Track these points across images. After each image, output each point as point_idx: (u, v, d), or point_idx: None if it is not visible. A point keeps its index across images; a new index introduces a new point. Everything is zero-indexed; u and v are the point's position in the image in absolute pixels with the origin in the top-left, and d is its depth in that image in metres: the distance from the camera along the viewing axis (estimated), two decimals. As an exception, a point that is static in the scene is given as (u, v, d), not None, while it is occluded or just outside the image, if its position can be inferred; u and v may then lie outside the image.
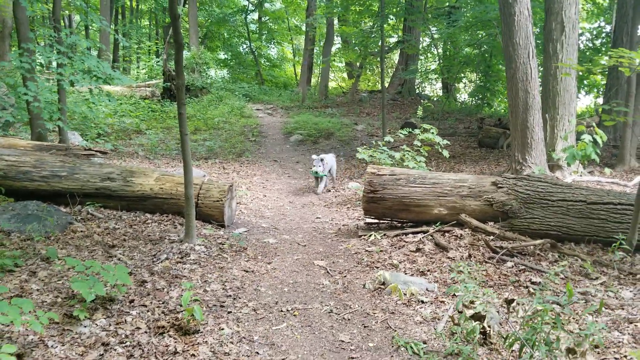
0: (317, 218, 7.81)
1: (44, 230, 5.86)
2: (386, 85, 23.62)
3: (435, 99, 22.70)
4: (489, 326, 3.55)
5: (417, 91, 23.31)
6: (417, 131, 9.00)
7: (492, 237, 5.89)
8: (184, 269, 5.23)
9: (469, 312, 3.58)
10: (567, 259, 5.49)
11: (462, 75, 21.69)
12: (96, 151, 8.10)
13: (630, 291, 4.88)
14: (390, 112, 19.35)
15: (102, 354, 3.64)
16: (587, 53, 16.15)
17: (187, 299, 4.07)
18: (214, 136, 15.41)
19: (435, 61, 22.71)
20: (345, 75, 30.32)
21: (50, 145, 7.78)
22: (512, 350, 3.50)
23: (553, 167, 9.52)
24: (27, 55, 8.63)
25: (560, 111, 9.56)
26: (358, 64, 24.79)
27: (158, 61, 23.92)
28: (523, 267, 5.30)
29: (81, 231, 6.07)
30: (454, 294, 4.55)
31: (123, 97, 18.46)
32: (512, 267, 5.34)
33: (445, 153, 8.71)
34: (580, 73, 14.18)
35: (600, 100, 16.74)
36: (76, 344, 3.75)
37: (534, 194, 6.09)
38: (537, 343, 3.15)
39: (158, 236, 6.13)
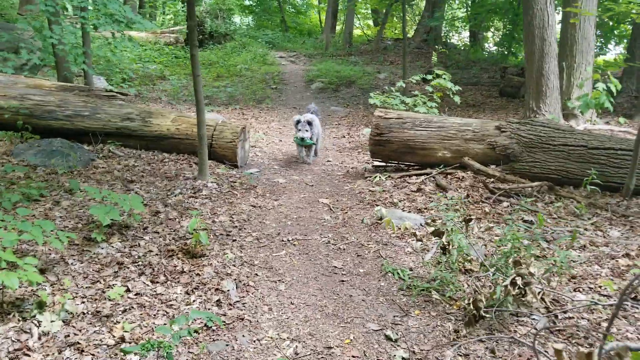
0: (327, 161, 8.11)
1: (68, 165, 6.30)
2: (411, 33, 23.39)
3: (461, 47, 22.42)
4: (449, 242, 3.83)
5: (444, 39, 23.02)
6: (429, 77, 9.12)
7: (492, 180, 6.13)
8: (196, 202, 5.63)
9: (430, 229, 3.88)
10: (562, 201, 5.72)
11: (490, 23, 21.32)
12: (117, 93, 8.46)
13: (619, 231, 5.11)
14: (414, 61, 19.27)
15: (117, 271, 4.08)
16: (605, 3, 15.74)
17: (194, 225, 4.47)
18: (235, 83, 15.65)
19: (462, 9, 22.34)
20: (370, 22, 29.98)
21: (74, 86, 8.16)
22: (487, 275, 3.80)
23: (568, 115, 9.59)
24: (52, -2, 8.92)
25: (577, 59, 9.54)
26: (384, 10, 24.47)
27: (183, 7, 24.02)
28: (518, 207, 5.55)
29: (102, 167, 6.50)
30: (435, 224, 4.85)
31: (147, 44, 18.75)
32: (508, 206, 5.60)
33: (457, 99, 8.83)
34: (608, 21, 13.91)
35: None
36: (94, 262, 4.19)
37: (536, 138, 6.28)
38: (503, 267, 3.46)
39: (173, 174, 6.52)
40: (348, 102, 14.26)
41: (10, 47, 11.05)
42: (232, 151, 7.02)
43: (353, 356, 3.29)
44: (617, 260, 4.44)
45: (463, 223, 3.92)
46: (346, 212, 5.67)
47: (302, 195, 6.32)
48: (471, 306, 3.30)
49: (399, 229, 4.93)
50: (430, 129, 6.62)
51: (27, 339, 3.21)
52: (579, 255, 4.45)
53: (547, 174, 6.16)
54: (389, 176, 6.64)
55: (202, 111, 6.15)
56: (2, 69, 9.05)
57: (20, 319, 3.39)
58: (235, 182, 6.45)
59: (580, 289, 3.94)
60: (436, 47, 21.19)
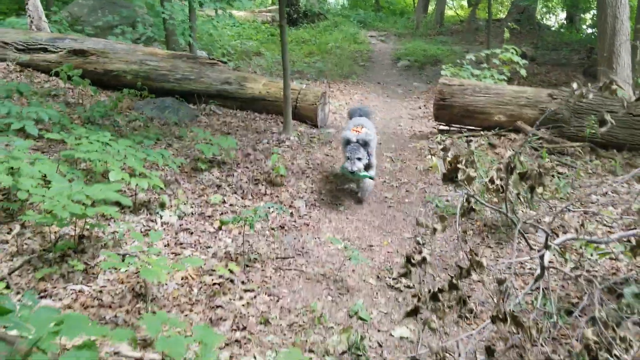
0: (399, 126, 9.16)
1: (177, 118, 7.79)
2: (504, 14, 23.59)
3: (553, 28, 22.39)
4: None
5: (537, 20, 23.07)
6: (498, 51, 9.90)
7: (541, 141, 6.98)
8: (279, 150, 6.92)
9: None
10: (601, 160, 6.50)
11: (589, 4, 21.17)
12: (218, 61, 9.91)
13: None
14: (504, 41, 19.65)
15: (216, 190, 5.45)
16: None
17: (275, 160, 5.75)
18: (325, 60, 16.90)
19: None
20: (464, 2, 30.23)
21: (182, 54, 9.67)
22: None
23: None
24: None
25: (652, 37, 9.95)
26: (478, -10, 24.78)
27: (280, -13, 25.52)
28: (558, 162, 6.40)
29: (205, 122, 7.95)
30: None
31: (246, 22, 20.43)
32: (548, 161, 6.46)
33: (523, 72, 9.57)
34: None
35: None
36: (199, 183, 5.58)
37: (585, 104, 7.03)
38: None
39: (262, 129, 7.86)
40: (431, 79, 15.10)
41: (127, 22, 12.95)
42: (314, 112, 8.26)
43: (388, 251, 4.45)
44: (630, 206, 5.26)
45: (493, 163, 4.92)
46: (405, 162, 6.76)
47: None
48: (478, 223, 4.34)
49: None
50: (489, 95, 7.53)
51: (153, 225, 4.61)
52: (596, 197, 5.31)
53: (592, 137, 6.91)
54: (449, 137, 7.63)
55: (287, 75, 7.42)
56: (122, 39, 10.85)
57: (148, 213, 4.82)
58: (313, 137, 7.70)
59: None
60: (530, 27, 21.35)
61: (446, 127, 8.19)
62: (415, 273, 2.50)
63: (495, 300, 2.65)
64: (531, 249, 3.58)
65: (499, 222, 4.88)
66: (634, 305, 3.56)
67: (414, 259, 2.49)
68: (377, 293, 4.01)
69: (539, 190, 3.98)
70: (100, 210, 3.75)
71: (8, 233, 4.13)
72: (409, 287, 4.05)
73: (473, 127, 7.85)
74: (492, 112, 7.47)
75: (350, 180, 5.74)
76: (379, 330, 3.56)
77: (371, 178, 5.41)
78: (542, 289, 3.41)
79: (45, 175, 4.31)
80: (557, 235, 4.46)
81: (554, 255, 4.19)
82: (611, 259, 4.39)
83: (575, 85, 2.83)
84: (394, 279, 4.15)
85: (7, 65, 8.79)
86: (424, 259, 2.49)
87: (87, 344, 2.26)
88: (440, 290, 2.44)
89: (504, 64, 9.76)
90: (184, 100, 8.45)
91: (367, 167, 5.39)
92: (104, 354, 2.96)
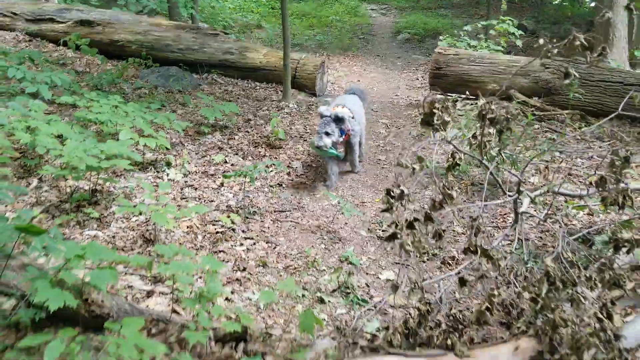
0: (395, 95, 9.46)
1: (181, 86, 8.10)
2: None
3: (556, 2, 22.45)
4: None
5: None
6: (495, 22, 10.16)
7: (532, 109, 7.28)
8: (278, 116, 7.24)
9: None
10: (589, 127, 6.81)
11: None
12: (220, 32, 10.17)
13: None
14: (505, 14, 19.78)
15: (218, 151, 5.79)
16: None
17: (274, 123, 6.08)
18: (325, 32, 17.11)
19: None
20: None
21: (185, 25, 9.93)
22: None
23: (635, 65, 10.28)
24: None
25: (648, 10, 10.16)
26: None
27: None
28: (547, 129, 6.72)
29: (207, 90, 8.26)
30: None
31: (247, -6, 20.57)
32: (538, 128, 6.78)
33: (519, 42, 9.83)
34: None
35: None
36: (202, 145, 5.92)
37: (579, 74, 7.30)
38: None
39: (262, 97, 8.18)
40: (430, 52, 15.27)
41: (131, -7, 13.15)
42: (312, 81, 8.55)
43: (379, 207, 4.80)
44: (601, 163, 5.58)
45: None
46: (399, 129, 7.09)
47: (367, 116, 7.76)
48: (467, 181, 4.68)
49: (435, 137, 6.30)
50: (483, 64, 7.82)
51: (160, 182, 4.96)
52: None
53: (583, 106, 7.21)
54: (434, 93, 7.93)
55: (288, 45, 7.71)
56: (126, 10, 11.09)
57: (155, 171, 5.17)
58: (312, 105, 8.01)
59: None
60: (533, 1, 21.42)
61: (441, 96, 8.48)
62: (395, 208, 2.85)
63: (468, 235, 3.01)
64: (504, 193, 3.91)
65: (488, 181, 5.23)
66: (603, 251, 3.92)
67: (393, 192, 2.84)
68: (367, 243, 4.38)
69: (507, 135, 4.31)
70: (113, 164, 4.09)
71: (27, 186, 4.49)
72: (406, 260, 4.41)
73: (468, 96, 8.14)
74: (487, 81, 7.76)
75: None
76: (367, 274, 3.93)
77: (337, 157, 5.14)
78: (517, 236, 3.77)
79: (60, 135, 4.66)
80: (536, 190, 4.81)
81: (531, 207, 4.56)
82: (588, 214, 4.75)
83: (541, 41, 3.12)
84: (383, 230, 4.51)
85: (17, 35, 9.09)
86: (402, 192, 2.84)
87: (109, 267, 2.62)
88: (416, 220, 2.79)
89: (501, 35, 10.01)
90: (187, 69, 8.74)
91: (349, 148, 5.39)
92: (119, 286, 3.34)
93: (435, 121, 2.92)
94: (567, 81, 3.05)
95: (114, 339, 2.28)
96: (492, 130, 3.42)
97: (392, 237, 2.73)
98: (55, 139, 4.42)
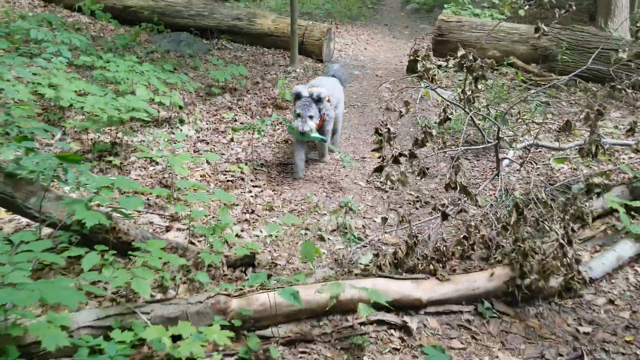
0: (400, 62, 9.75)
1: (191, 51, 8.44)
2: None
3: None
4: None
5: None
6: (497, -9, 10.41)
7: (531, 75, 7.58)
8: (285, 80, 7.59)
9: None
10: (584, 93, 7.13)
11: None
12: (229, -1, 10.50)
13: (620, 113, 6.53)
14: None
15: (228, 111, 6.16)
16: None
17: (281, 84, 6.44)
18: (334, 1, 17.30)
19: None
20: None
21: (196, -8, 10.25)
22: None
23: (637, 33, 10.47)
24: None
25: (651, -21, 10.35)
26: None
27: None
28: (543, 93, 7.04)
29: (217, 55, 8.59)
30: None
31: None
32: (533, 92, 7.09)
33: (521, 12, 10.08)
34: None
35: None
36: (213, 105, 6.30)
37: (573, 41, 7.60)
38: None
39: (271, 62, 8.51)
40: (438, 22, 15.53)
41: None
42: (319, 48, 8.86)
43: (377, 163, 5.16)
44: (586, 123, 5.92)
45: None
46: (401, 92, 7.42)
47: (371, 82, 8.12)
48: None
49: (434, 98, 6.66)
50: (484, 31, 8.10)
51: (174, 137, 5.35)
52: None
53: (580, 73, 7.48)
54: (445, 70, 8.26)
55: (294, 10, 8.01)
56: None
57: (169, 127, 5.56)
58: (318, 70, 8.34)
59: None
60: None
61: (444, 62, 8.77)
62: (384, 147, 3.23)
63: (449, 174, 3.38)
64: (485, 141, 4.28)
65: (478, 139, 5.59)
66: (578, 197, 4.30)
67: (381, 131, 3.22)
68: (365, 192, 4.77)
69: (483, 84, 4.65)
70: (132, 116, 4.48)
71: (51, 138, 4.89)
72: (392, 188, 4.80)
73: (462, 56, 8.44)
74: (487, 48, 8.05)
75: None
76: (364, 218, 4.33)
77: (323, 140, 4.91)
78: (500, 183, 4.15)
79: (81, 91, 5.05)
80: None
81: (517, 162, 4.94)
82: (573, 168, 5.11)
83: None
84: (380, 182, 4.90)
85: (32, 0, 9.42)
86: (389, 131, 3.22)
87: (134, 197, 3.03)
88: (401, 154, 3.18)
89: (504, 4, 10.25)
90: (198, 35, 9.07)
91: (333, 132, 5.24)
92: (140, 223, 3.76)
93: (419, 68, 3.26)
94: (536, 35, 3.40)
95: (141, 253, 2.69)
96: (479, 85, 3.76)
97: (379, 169, 3.12)
98: (76, 95, 4.81)
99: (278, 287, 2.82)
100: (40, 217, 3.01)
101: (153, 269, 2.61)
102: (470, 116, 3.72)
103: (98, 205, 3.06)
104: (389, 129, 3.23)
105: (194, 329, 2.39)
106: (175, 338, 2.37)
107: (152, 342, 2.39)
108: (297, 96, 4.67)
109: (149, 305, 2.66)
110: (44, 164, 2.84)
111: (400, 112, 3.40)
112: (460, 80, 6.89)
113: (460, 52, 3.59)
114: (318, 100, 4.63)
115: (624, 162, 5.19)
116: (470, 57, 3.52)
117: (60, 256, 2.55)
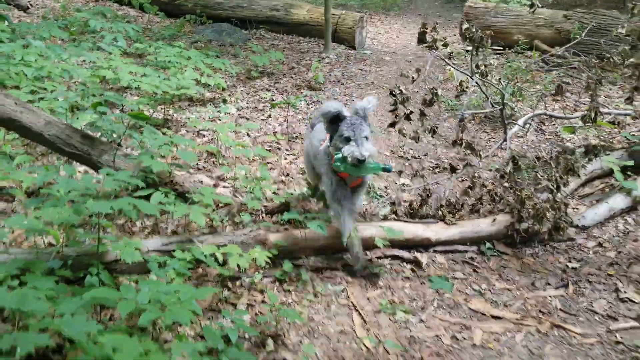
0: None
1: (232, 40, 9.13)
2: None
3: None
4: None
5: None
6: (524, -22, 10.77)
7: (554, 56, 7.99)
8: (319, 64, 8.20)
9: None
10: (605, 72, 7.51)
11: None
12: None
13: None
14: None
15: (265, 92, 6.80)
16: None
17: (315, 67, 7.05)
18: (369, -8, 17.83)
19: None
20: None
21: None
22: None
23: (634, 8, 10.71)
24: None
25: (680, -38, 10.54)
26: None
27: None
28: (563, 74, 7.46)
29: (255, 44, 9.26)
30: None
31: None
32: (554, 72, 7.52)
33: (548, -2, 10.47)
34: None
35: None
36: (252, 87, 6.95)
37: (596, 24, 7.97)
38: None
39: (306, 50, 9.13)
40: (471, 10, 15.88)
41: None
42: (352, 35, 9.43)
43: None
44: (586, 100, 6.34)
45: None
46: (428, 75, 7.94)
47: (402, 65, 8.65)
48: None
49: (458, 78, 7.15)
50: (510, 16, 8.55)
51: (218, 115, 6.01)
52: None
53: (601, 52, 7.87)
54: (468, 52, 8.72)
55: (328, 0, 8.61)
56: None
57: (214, 106, 6.23)
58: (350, 56, 8.93)
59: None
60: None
61: (469, 48, 9.24)
62: (400, 110, 3.80)
63: (455, 131, 3.91)
64: (492, 106, 4.79)
65: (495, 115, 6.09)
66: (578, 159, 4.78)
67: (394, 92, 3.79)
68: (389, 160, 5.33)
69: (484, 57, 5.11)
70: (183, 92, 5.15)
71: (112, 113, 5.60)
72: (414, 157, 5.35)
73: (495, 47, 8.89)
74: (513, 32, 8.49)
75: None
76: (386, 180, 4.90)
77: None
78: (508, 145, 4.66)
79: (135, 74, 5.76)
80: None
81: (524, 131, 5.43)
82: (584, 137, 5.57)
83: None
84: (404, 151, 5.45)
85: (85, -4, 10.28)
86: (402, 93, 3.78)
87: (190, 152, 3.68)
88: (412, 112, 3.74)
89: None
90: (237, 25, 9.75)
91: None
92: (191, 182, 4.41)
93: (427, 39, 3.81)
94: (531, 10, 3.91)
95: (196, 196, 3.34)
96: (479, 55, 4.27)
97: (393, 124, 3.69)
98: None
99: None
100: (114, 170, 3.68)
101: (207, 206, 3.25)
102: (476, 82, 4.24)
103: (162, 156, 3.72)
104: (401, 91, 3.79)
105: (240, 249, 3.01)
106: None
107: (206, 259, 3.02)
108: (336, 117, 3.19)
109: (203, 236, 3.30)
110: (115, 125, 3.50)
111: (413, 77, 3.95)
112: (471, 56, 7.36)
113: (465, 26, 4.10)
114: (365, 118, 3.22)
115: (632, 134, 5.62)
116: (473, 30, 4.04)
117: (136, 194, 3.22)
